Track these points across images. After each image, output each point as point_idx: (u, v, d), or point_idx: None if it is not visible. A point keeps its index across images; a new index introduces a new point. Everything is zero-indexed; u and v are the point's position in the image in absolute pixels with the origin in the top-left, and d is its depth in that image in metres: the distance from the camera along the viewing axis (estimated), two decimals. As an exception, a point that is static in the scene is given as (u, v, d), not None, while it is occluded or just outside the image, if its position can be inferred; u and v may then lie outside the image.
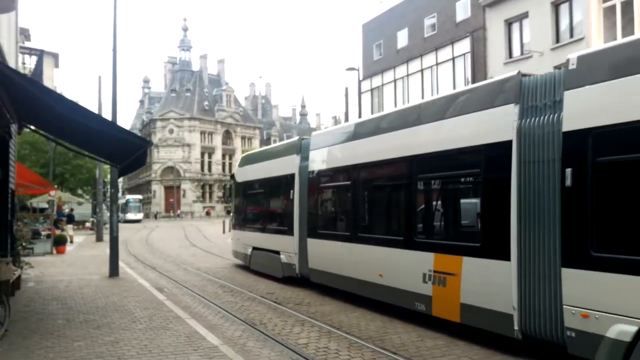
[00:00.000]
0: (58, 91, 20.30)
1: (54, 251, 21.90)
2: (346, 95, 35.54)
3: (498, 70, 23.70)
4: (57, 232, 24.68)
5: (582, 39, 20.07)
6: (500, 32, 24.06)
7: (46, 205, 34.84)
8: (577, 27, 20.73)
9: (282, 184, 14.00)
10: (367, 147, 10.31)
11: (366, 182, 10.73)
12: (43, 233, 22.53)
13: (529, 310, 6.62)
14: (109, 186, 24.16)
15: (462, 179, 8.86)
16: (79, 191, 47.35)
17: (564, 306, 6.09)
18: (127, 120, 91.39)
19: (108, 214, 20.48)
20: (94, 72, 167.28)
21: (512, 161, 6.81)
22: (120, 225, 18.64)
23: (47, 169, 34.58)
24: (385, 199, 10.65)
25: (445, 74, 27.20)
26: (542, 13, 21.88)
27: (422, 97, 28.50)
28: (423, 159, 8.74)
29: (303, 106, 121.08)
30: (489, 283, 7.21)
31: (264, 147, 24.12)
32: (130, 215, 63.28)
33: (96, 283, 13.59)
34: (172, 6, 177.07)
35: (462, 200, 8.88)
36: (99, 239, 29.50)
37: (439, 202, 9.17)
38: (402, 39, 30.91)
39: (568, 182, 6.06)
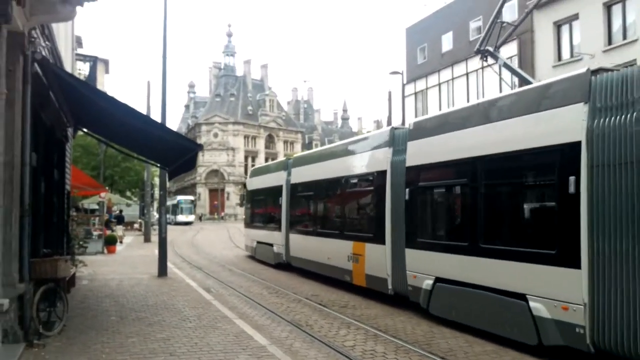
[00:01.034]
0: (110, 96, 20.94)
1: (105, 250, 22.61)
2: (389, 99, 35.39)
3: (546, 74, 23.18)
4: (108, 232, 25.47)
5: (636, 40, 19.43)
6: (549, 34, 23.53)
7: (96, 207, 35.97)
8: (630, 28, 20.08)
9: (275, 192, 17.95)
10: (324, 168, 14.48)
11: (322, 193, 14.78)
12: (95, 233, 23.31)
13: (395, 277, 10.55)
14: (156, 188, 24.83)
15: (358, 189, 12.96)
16: (128, 193, 48.74)
17: (406, 271, 9.98)
18: (173, 124, 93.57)
19: (157, 215, 21.02)
20: (142, 77, 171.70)
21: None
22: (169, 227, 19.12)
23: (98, 171, 35.80)
24: (330, 205, 14.57)
25: (491, 77, 26.72)
26: (593, 14, 21.28)
27: (468, 101, 28.14)
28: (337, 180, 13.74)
29: (345, 110, 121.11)
30: (378, 260, 11.02)
31: (267, 163, 30.59)
32: (181, 217, 61.72)
33: (146, 282, 13.97)
34: (217, 12, 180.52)
35: (359, 203, 13.05)
36: (147, 239, 30.28)
37: (351, 207, 13.56)
38: (447, 42, 30.62)
39: None
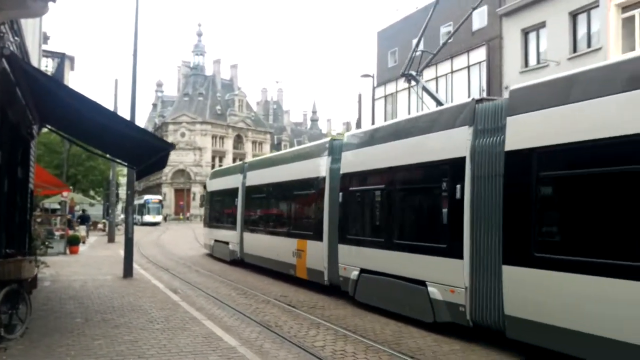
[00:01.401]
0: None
1: (68, 251, 22.07)
2: (359, 102, 35.70)
3: (514, 79, 23.67)
4: (70, 232, 24.87)
5: (599, 48, 19.99)
6: (516, 41, 24.00)
7: (58, 206, 35.13)
8: (595, 37, 20.64)
9: (232, 194, 19.03)
10: (275, 172, 15.82)
11: (272, 196, 16.17)
12: (57, 233, 22.73)
13: (330, 269, 11.91)
14: (121, 188, 24.38)
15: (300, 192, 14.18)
16: (91, 192, 47.68)
17: (339, 264, 11.48)
18: (140, 123, 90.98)
19: (121, 215, 20.62)
20: (107, 75, 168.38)
21: None
22: (136, 227, 18.81)
23: (61, 170, 34.89)
24: (279, 206, 15.85)
25: (461, 82, 27.18)
26: (560, 23, 21.80)
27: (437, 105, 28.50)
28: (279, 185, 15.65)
29: (314, 112, 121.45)
30: (317, 255, 12.43)
31: (226, 166, 31.72)
32: (148, 218, 60.14)
33: (110, 283, 13.68)
34: (186, 11, 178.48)
35: (303, 205, 14.16)
36: (111, 240, 29.70)
37: (296, 209, 14.62)
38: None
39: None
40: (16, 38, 9.37)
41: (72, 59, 35.75)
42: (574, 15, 21.53)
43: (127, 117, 15.76)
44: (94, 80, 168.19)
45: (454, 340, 8.03)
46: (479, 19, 26.37)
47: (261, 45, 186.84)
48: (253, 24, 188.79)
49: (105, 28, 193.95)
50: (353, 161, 11.49)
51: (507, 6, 24.39)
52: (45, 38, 28.36)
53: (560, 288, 6.42)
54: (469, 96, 25.98)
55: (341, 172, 11.82)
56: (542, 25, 22.79)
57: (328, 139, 12.63)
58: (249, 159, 79.34)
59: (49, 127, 13.84)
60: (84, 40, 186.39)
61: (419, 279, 8.90)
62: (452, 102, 25.67)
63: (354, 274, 10.85)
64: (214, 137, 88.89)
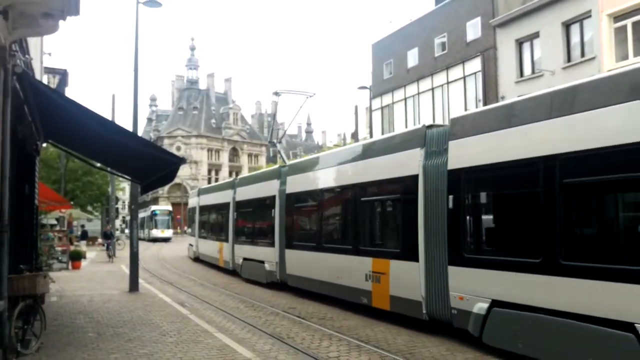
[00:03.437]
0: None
1: (70, 266, 22.04)
2: (356, 114, 35.98)
3: (509, 89, 23.98)
4: (72, 247, 24.85)
5: (593, 58, 20.31)
6: (511, 51, 24.32)
7: (55, 222, 35.05)
8: (588, 46, 20.98)
9: (191, 210, 27.74)
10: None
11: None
12: (58, 249, 22.72)
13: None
14: (121, 202, 24.37)
15: None
16: (89, 207, 47.53)
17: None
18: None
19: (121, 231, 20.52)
20: (101, 90, 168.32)
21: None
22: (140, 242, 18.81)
23: (58, 185, 34.84)
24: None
25: (457, 92, 27.46)
26: (553, 33, 22.14)
27: (433, 115, 28.78)
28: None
29: (309, 124, 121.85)
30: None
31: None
32: (156, 232, 52.02)
33: (117, 298, 13.72)
34: (180, 25, 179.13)
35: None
36: (112, 255, 29.60)
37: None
38: (412, 58, 31.23)
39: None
40: (27, 56, 9.50)
41: (65, 73, 35.78)
42: (567, 26, 21.88)
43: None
44: (87, 95, 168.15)
45: (467, 349, 8.12)
46: (473, 30, 26.74)
47: (255, 58, 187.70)
48: (246, 37, 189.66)
49: (96, 42, 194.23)
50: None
51: (501, 17, 24.75)
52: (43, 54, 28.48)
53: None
54: (465, 106, 26.32)
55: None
56: (536, 35, 23.13)
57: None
58: (245, 172, 79.58)
59: (53, 142, 13.92)
60: (75, 54, 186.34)
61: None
62: (449, 113, 26.18)
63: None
64: (209, 150, 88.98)
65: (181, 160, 9.02)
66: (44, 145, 15.84)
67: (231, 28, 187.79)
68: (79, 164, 33.26)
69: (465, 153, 8.39)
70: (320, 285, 12.94)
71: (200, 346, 8.23)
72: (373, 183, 11.08)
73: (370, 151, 11.50)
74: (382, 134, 32.88)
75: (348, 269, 11.55)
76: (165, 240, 50.44)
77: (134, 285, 14.93)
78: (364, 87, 29.71)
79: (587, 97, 6.65)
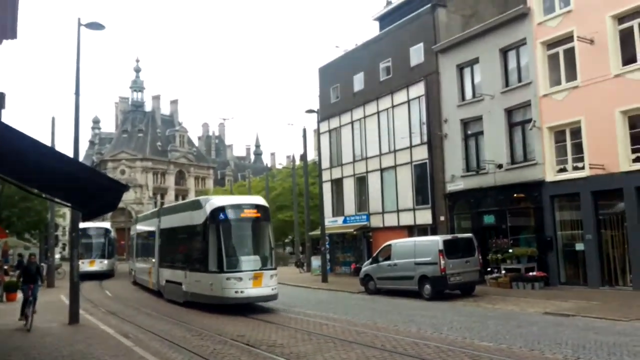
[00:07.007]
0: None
1: (5, 299, 20.91)
2: (304, 136, 36.07)
3: (452, 112, 24.75)
4: (7, 278, 23.60)
5: (529, 83, 21.26)
6: (452, 76, 25.14)
7: (-13, 251, 33.23)
8: (525, 72, 21.96)
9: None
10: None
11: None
12: (-8, 280, 21.52)
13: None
14: (61, 229, 23.38)
15: None
16: (27, 235, 45.44)
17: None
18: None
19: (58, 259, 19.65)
20: (38, 113, 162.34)
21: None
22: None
23: (-7, 212, 33.20)
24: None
25: (401, 115, 28.06)
26: (491, 59, 23.07)
27: (379, 138, 29.29)
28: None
29: (257, 146, 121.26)
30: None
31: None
32: (83, 265, 46.44)
33: (57, 331, 13.12)
34: (124, 46, 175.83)
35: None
36: (51, 285, 28.35)
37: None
38: (358, 82, 31.76)
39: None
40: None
41: (2, 96, 34.43)
42: (504, 52, 22.85)
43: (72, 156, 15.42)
44: (26, 119, 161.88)
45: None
46: (417, 55, 27.50)
47: (202, 80, 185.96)
48: (193, 59, 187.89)
49: (37, 65, 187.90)
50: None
51: (442, 43, 25.58)
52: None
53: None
54: (410, 129, 26.97)
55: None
56: (476, 60, 24.04)
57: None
58: (192, 195, 78.20)
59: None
60: (14, 77, 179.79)
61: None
62: (394, 136, 26.86)
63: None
64: (155, 173, 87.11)
65: (124, 188, 8.73)
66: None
67: (177, 50, 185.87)
68: (16, 189, 31.89)
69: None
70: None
71: (145, 380, 7.94)
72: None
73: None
74: (331, 156, 33.30)
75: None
76: (99, 276, 34.55)
77: (74, 317, 14.32)
78: (311, 111, 29.87)
79: (180, 207, 18.56)
